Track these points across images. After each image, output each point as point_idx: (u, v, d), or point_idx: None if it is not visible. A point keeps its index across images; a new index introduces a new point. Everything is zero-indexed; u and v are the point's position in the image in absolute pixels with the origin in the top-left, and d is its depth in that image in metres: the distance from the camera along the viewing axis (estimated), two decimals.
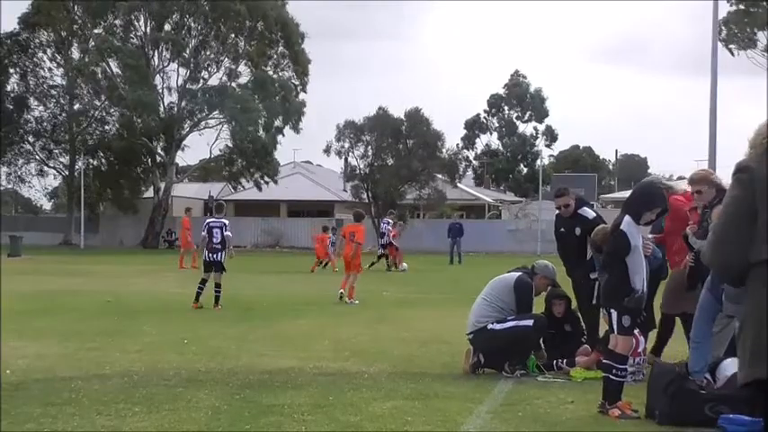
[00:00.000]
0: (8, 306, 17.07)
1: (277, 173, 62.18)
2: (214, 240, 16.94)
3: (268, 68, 61.13)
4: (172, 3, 57.40)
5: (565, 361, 9.56)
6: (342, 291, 18.93)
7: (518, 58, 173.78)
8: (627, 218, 7.58)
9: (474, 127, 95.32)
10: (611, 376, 7.53)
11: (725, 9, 52.56)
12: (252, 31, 59.82)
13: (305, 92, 62.12)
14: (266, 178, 60.89)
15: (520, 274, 9.86)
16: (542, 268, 9.98)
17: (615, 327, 7.57)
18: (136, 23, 59.47)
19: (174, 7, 57.86)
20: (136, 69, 56.18)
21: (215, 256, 16.94)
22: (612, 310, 7.61)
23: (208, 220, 17.52)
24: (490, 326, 9.52)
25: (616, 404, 7.43)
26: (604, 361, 7.72)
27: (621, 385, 7.54)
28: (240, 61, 60.84)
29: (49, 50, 62.44)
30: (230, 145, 60.03)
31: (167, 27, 58.89)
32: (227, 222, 17.24)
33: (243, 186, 63.13)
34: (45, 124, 63.01)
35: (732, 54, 54.52)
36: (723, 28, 51.00)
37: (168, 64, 59.49)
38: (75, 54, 61.82)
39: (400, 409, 7.62)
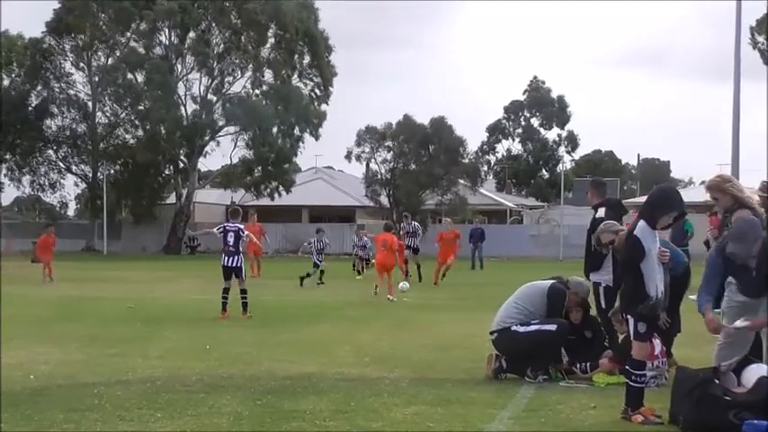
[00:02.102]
0: (31, 312, 17.22)
1: (293, 183, 62.19)
2: (229, 243, 16.63)
3: (293, 78, 61.26)
4: (198, 12, 57.63)
5: (588, 365, 9.53)
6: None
7: (539, 63, 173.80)
8: (641, 223, 7.49)
9: (496, 131, 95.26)
10: (630, 382, 7.50)
11: (753, 13, 52.28)
12: (278, 42, 59.99)
13: (327, 103, 62.33)
14: (281, 189, 60.93)
15: (554, 282, 9.86)
16: (576, 284, 9.96)
17: (631, 333, 7.54)
18: (160, 32, 59.74)
19: (199, 17, 58.09)
20: (161, 84, 56.43)
21: (232, 260, 16.64)
22: (629, 317, 7.57)
23: (224, 224, 17.34)
24: (514, 327, 9.53)
25: (639, 410, 7.40)
26: (626, 367, 7.67)
27: (642, 391, 7.50)
28: (263, 70, 60.97)
29: (72, 57, 62.84)
30: (248, 154, 60.24)
31: (192, 34, 59.18)
32: (242, 227, 17.04)
33: (263, 194, 63.19)
34: (68, 132, 63.45)
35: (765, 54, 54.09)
36: (755, 33, 50.73)
37: (191, 71, 59.84)
38: (100, 61, 62.22)
39: (422, 414, 7.61)
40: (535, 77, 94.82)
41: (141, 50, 59.20)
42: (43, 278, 27.39)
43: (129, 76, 58.98)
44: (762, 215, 8.41)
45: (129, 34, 60.57)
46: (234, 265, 16.65)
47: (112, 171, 63.35)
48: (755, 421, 6.59)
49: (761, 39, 54.19)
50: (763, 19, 53.01)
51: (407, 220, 30.85)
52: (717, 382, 7.23)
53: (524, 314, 9.61)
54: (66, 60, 62.76)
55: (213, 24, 59.29)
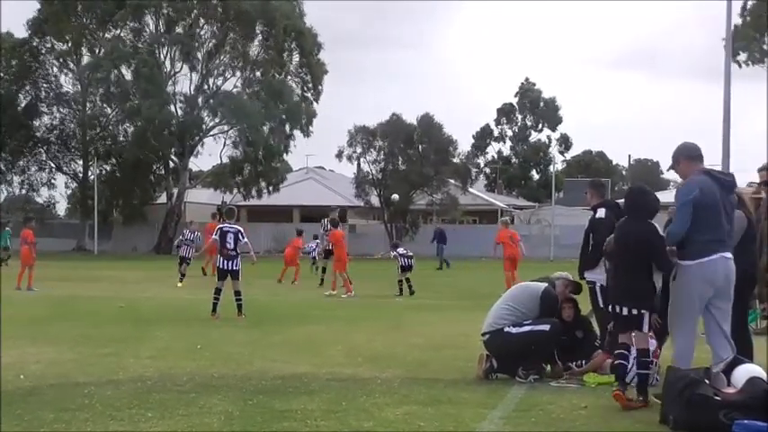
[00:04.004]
0: (22, 311, 17.15)
1: (283, 180, 62.12)
2: (228, 246, 16.31)
3: (282, 76, 61.23)
4: (183, 5, 57.64)
5: (583, 362, 9.55)
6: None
7: (535, 63, 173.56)
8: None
9: (484, 136, 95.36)
10: (647, 371, 8.07)
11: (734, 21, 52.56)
12: (266, 39, 60.00)
13: (317, 102, 62.28)
14: (270, 187, 60.87)
15: (546, 285, 9.88)
16: (561, 279, 10.01)
17: (648, 326, 7.98)
18: (146, 27, 59.65)
19: (185, 10, 58.09)
20: (148, 78, 56.26)
21: (230, 263, 16.37)
22: (644, 311, 7.93)
23: (220, 225, 17.04)
24: (506, 329, 9.52)
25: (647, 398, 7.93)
26: (641, 360, 8.04)
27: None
28: (253, 68, 60.93)
29: (60, 57, 62.71)
30: (238, 153, 60.20)
31: (178, 30, 59.16)
32: (241, 229, 16.63)
33: (252, 194, 63.05)
34: (57, 131, 63.33)
35: (740, 66, 54.54)
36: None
37: (180, 68, 59.76)
38: (87, 60, 62.13)
39: (413, 414, 7.60)
40: (527, 79, 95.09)
41: (127, 47, 59.10)
42: (19, 284, 23.85)
43: (117, 72, 58.82)
44: (752, 215, 8.53)
45: (117, 31, 60.46)
46: (232, 268, 16.39)
47: (104, 171, 63.24)
48: (745, 421, 6.61)
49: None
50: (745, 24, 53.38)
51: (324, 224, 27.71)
52: (707, 382, 7.26)
53: (516, 315, 9.60)
54: (53, 61, 62.69)
55: (199, 18, 59.23)
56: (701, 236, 7.61)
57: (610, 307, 8.27)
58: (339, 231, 23.32)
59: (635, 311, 7.95)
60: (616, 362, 8.19)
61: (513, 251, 24.18)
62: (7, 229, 40.53)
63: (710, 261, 7.61)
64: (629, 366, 8.20)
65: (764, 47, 54.43)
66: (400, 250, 23.74)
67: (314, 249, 31.02)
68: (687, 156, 7.98)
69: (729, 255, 7.71)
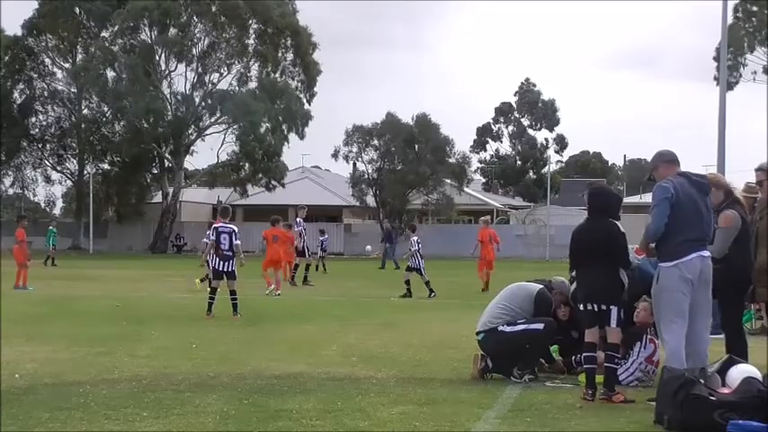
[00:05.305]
0: (18, 310, 17.12)
1: (284, 176, 62.14)
2: (223, 247, 16.10)
3: (277, 75, 61.20)
4: (177, 4, 57.62)
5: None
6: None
7: (532, 64, 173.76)
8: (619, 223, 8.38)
9: (485, 133, 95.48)
10: (613, 365, 8.25)
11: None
12: (261, 36, 59.97)
13: (309, 103, 62.19)
14: (273, 182, 60.89)
15: (542, 287, 9.90)
16: (559, 284, 10.06)
17: (616, 321, 8.24)
18: (141, 27, 59.59)
19: (179, 10, 58.08)
20: (139, 77, 56.17)
21: (226, 264, 16.17)
22: (613, 307, 8.23)
23: (216, 225, 16.74)
24: (501, 327, 9.53)
25: (617, 391, 8.17)
26: (608, 353, 8.26)
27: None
28: (249, 66, 60.92)
29: (55, 56, 62.65)
30: (237, 150, 60.13)
31: (173, 30, 59.12)
32: (236, 229, 16.41)
33: (247, 193, 62.92)
34: (53, 129, 63.24)
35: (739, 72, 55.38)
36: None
37: (175, 68, 59.73)
38: (80, 58, 62.08)
39: (408, 414, 7.61)
40: (527, 80, 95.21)
41: (119, 48, 59.16)
42: (18, 283, 23.69)
43: (111, 73, 58.79)
44: (747, 214, 8.57)
45: (113, 29, 60.36)
46: (227, 269, 16.21)
47: (99, 169, 63.18)
48: (740, 421, 6.62)
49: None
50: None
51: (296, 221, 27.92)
52: (702, 382, 7.27)
53: (511, 315, 9.62)
54: (47, 59, 62.64)
55: (194, 18, 59.21)
56: (679, 236, 7.74)
57: (581, 305, 8.50)
58: (272, 230, 23.63)
59: (603, 307, 8.25)
60: (585, 366, 8.48)
61: (488, 251, 25.38)
62: (51, 228, 40.72)
63: (688, 260, 7.72)
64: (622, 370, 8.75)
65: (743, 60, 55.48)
66: (420, 249, 22.56)
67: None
68: (664, 160, 8.18)
69: (707, 253, 7.83)
